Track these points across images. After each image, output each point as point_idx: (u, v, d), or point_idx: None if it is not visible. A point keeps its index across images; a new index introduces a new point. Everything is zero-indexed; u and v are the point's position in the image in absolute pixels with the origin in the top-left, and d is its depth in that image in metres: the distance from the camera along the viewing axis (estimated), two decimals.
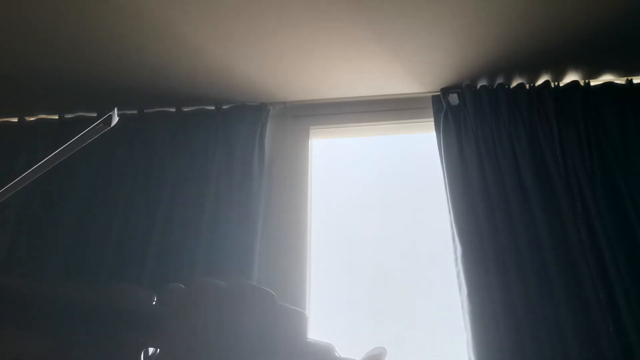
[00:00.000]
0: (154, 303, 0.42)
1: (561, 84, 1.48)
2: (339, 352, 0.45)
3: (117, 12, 1.25)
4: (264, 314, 0.39)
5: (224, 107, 1.59)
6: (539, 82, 1.48)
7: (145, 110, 1.61)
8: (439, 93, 1.53)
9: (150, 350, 0.39)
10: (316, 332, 1.36)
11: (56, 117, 1.63)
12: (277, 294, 0.43)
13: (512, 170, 1.35)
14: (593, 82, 1.48)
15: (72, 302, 0.40)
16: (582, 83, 1.46)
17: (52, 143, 1.58)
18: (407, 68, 1.47)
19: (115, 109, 0.47)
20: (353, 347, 1.35)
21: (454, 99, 1.50)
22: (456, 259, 1.29)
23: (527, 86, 1.47)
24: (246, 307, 0.38)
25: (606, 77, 1.51)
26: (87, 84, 1.52)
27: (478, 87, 1.51)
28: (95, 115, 1.63)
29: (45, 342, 0.38)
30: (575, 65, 1.47)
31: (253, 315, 0.38)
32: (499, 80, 1.51)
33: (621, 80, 1.48)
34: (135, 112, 1.61)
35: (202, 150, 1.52)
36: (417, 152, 1.64)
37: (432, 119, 1.50)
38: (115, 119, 0.47)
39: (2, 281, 0.40)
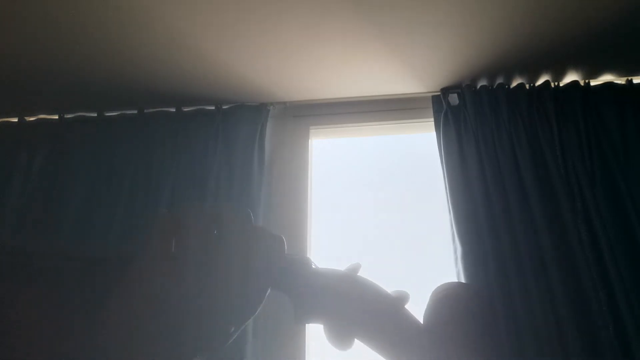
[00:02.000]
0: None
1: (561, 84, 1.48)
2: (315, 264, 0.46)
3: (117, 12, 1.25)
4: (239, 233, 0.38)
5: (224, 107, 1.59)
6: (539, 82, 1.48)
7: (145, 110, 1.61)
8: (439, 93, 1.53)
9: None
10: (316, 331, 1.36)
11: (56, 117, 1.63)
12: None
13: (512, 170, 1.35)
14: (593, 82, 1.48)
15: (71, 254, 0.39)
16: (582, 83, 1.46)
17: (52, 143, 1.58)
18: (407, 68, 1.47)
19: None
20: (353, 347, 1.35)
21: (454, 99, 1.50)
22: (456, 259, 1.29)
23: (527, 86, 1.47)
24: (222, 226, 0.38)
25: (606, 77, 1.51)
26: (87, 84, 1.52)
27: (478, 87, 1.50)
28: (95, 115, 1.63)
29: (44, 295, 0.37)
30: (575, 65, 1.47)
31: (228, 233, 0.38)
32: (499, 80, 1.51)
33: (621, 80, 1.48)
34: (135, 112, 1.61)
35: (202, 150, 1.52)
36: (417, 152, 1.64)
37: (432, 119, 1.50)
38: None
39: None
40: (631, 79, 1.47)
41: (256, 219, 1.40)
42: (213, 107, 1.59)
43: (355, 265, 0.48)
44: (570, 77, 1.50)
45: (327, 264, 0.47)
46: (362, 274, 0.48)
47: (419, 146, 1.63)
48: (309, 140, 1.61)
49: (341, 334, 0.45)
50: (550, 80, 1.47)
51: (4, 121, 1.66)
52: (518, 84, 1.48)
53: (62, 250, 0.39)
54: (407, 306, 0.48)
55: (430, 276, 1.42)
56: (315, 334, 1.35)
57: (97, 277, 0.38)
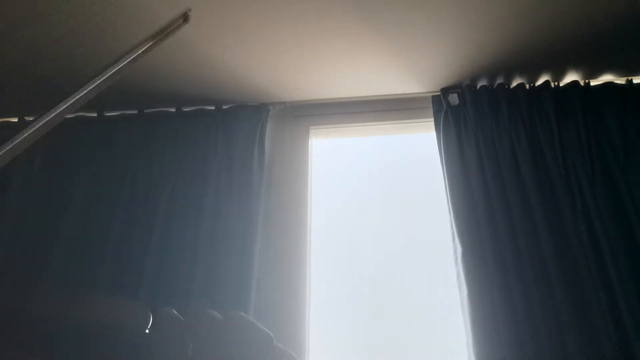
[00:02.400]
0: (148, 328, 0.41)
1: (561, 84, 1.48)
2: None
3: (117, 12, 1.25)
4: (259, 355, 0.38)
5: (224, 107, 1.59)
6: (539, 82, 1.48)
7: (145, 110, 1.61)
8: (439, 93, 1.53)
9: None
10: (316, 332, 1.36)
11: None
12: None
13: (512, 170, 1.35)
14: (593, 82, 1.48)
15: (65, 319, 0.39)
16: (582, 83, 1.46)
17: (53, 143, 1.58)
18: (407, 68, 1.47)
19: (189, 10, 0.46)
20: (353, 347, 1.35)
21: (454, 99, 1.50)
22: (456, 259, 1.29)
23: (527, 86, 1.47)
24: (242, 344, 0.38)
25: (606, 77, 1.51)
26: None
27: (478, 87, 1.51)
28: (95, 115, 1.63)
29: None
30: (575, 65, 1.47)
31: (248, 353, 0.38)
32: (499, 80, 1.51)
33: (621, 80, 1.48)
34: (135, 112, 1.61)
35: (202, 150, 1.52)
36: (417, 152, 1.63)
37: (432, 119, 1.50)
38: (189, 18, 0.46)
39: None
40: (631, 79, 1.47)
41: (256, 219, 1.40)
42: (213, 107, 1.59)
43: None
44: (570, 77, 1.50)
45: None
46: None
47: (419, 146, 1.63)
48: (309, 140, 1.61)
49: None
50: (550, 80, 1.47)
51: (4, 121, 1.66)
52: (518, 84, 1.48)
53: (61, 315, 0.39)
54: None
55: (431, 276, 1.42)
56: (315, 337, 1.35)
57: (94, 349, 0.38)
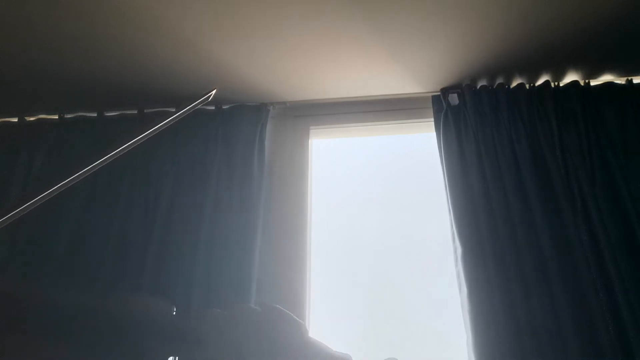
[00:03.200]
0: (173, 314, 0.45)
1: (561, 84, 1.48)
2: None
3: (117, 11, 1.25)
4: (294, 345, 0.43)
5: (224, 107, 1.59)
6: (539, 82, 1.48)
7: (145, 110, 1.61)
8: (439, 93, 1.53)
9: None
10: (316, 332, 1.36)
11: (56, 117, 1.63)
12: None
13: (512, 170, 1.35)
14: (593, 82, 1.48)
15: (92, 311, 0.42)
16: (582, 83, 1.46)
17: (52, 143, 1.58)
18: (407, 68, 1.47)
19: (214, 91, 0.50)
20: (352, 346, 1.35)
21: (454, 99, 1.50)
22: (456, 259, 1.29)
23: (527, 86, 1.47)
24: (279, 334, 0.43)
25: (606, 77, 1.51)
26: (87, 84, 1.52)
27: (478, 87, 1.50)
28: (95, 115, 1.63)
29: (62, 352, 0.39)
30: (575, 65, 1.47)
31: (285, 341, 0.42)
32: (499, 80, 1.51)
33: (621, 80, 1.48)
34: (135, 112, 1.61)
35: (202, 150, 1.52)
36: (417, 152, 1.63)
37: (432, 119, 1.50)
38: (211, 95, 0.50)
39: (13, 288, 0.41)
40: (631, 79, 1.47)
41: (256, 219, 1.40)
42: (213, 107, 1.59)
43: None
44: (570, 77, 1.50)
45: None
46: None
47: (419, 146, 1.63)
48: (309, 140, 1.61)
49: None
50: (550, 80, 1.47)
51: (4, 121, 1.66)
52: (518, 84, 1.48)
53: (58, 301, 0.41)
54: None
55: (431, 276, 1.42)
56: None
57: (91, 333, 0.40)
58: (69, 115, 1.64)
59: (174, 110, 1.70)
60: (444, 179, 1.40)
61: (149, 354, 0.41)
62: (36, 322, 0.39)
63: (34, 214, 1.52)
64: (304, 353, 0.43)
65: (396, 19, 1.28)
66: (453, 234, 1.32)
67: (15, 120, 1.65)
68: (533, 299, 1.19)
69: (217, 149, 1.51)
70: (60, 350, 0.39)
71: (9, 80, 1.51)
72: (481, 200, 1.32)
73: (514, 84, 1.50)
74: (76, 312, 0.41)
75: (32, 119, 1.66)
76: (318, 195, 1.56)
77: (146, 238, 1.38)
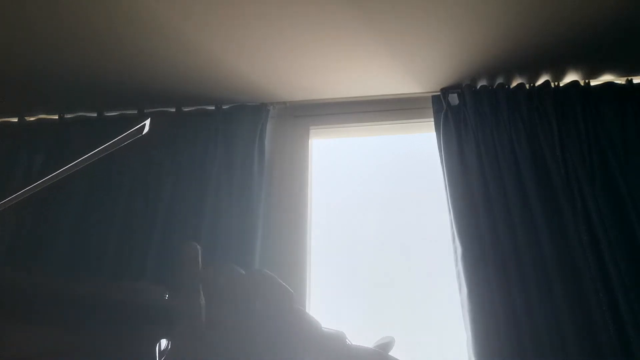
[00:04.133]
0: (166, 297, 0.43)
1: (561, 84, 1.48)
2: (349, 339, 0.47)
3: (117, 11, 1.25)
4: (280, 312, 0.39)
5: (224, 107, 1.59)
6: (539, 82, 1.48)
7: (145, 110, 1.61)
8: (439, 93, 1.53)
9: (163, 343, 0.40)
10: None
11: (56, 117, 1.63)
12: None
13: (512, 170, 1.35)
14: (593, 82, 1.48)
15: (91, 296, 0.40)
16: (582, 83, 1.46)
17: (52, 143, 1.58)
18: (407, 68, 1.47)
19: (149, 120, 0.48)
20: None
21: (454, 99, 1.50)
22: (456, 259, 1.29)
23: (527, 86, 1.47)
24: (264, 300, 0.39)
25: (606, 77, 1.51)
26: (87, 84, 1.52)
27: (478, 87, 1.50)
28: (95, 115, 1.63)
29: (62, 337, 0.38)
30: (575, 65, 1.47)
31: (269, 308, 0.39)
32: (499, 80, 1.51)
33: (621, 80, 1.48)
34: (135, 112, 1.61)
35: (202, 150, 1.52)
36: (417, 152, 1.63)
37: (432, 119, 1.50)
38: (147, 128, 0.47)
39: (15, 276, 0.40)
40: (631, 79, 1.47)
41: (256, 218, 1.40)
42: (213, 107, 1.59)
43: (386, 344, 0.49)
44: (570, 77, 1.50)
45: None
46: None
47: (419, 146, 1.63)
48: (309, 140, 1.61)
49: None
50: (550, 80, 1.47)
51: (4, 121, 1.66)
52: (518, 84, 1.48)
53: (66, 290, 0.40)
54: None
55: (431, 276, 1.42)
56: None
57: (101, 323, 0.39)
58: (69, 115, 1.64)
59: (174, 110, 1.71)
60: (444, 179, 1.40)
61: (147, 338, 0.40)
62: (37, 310, 0.38)
63: (32, 217, 1.52)
64: (291, 321, 0.40)
65: (396, 19, 1.28)
66: (453, 234, 1.32)
67: (15, 120, 1.65)
68: (533, 298, 1.19)
69: (217, 148, 1.51)
70: (64, 336, 0.38)
71: (9, 80, 1.51)
72: (481, 200, 1.32)
73: (514, 84, 1.50)
74: (77, 298, 0.40)
75: (32, 119, 1.66)
76: (318, 195, 1.56)
77: (146, 238, 1.38)
